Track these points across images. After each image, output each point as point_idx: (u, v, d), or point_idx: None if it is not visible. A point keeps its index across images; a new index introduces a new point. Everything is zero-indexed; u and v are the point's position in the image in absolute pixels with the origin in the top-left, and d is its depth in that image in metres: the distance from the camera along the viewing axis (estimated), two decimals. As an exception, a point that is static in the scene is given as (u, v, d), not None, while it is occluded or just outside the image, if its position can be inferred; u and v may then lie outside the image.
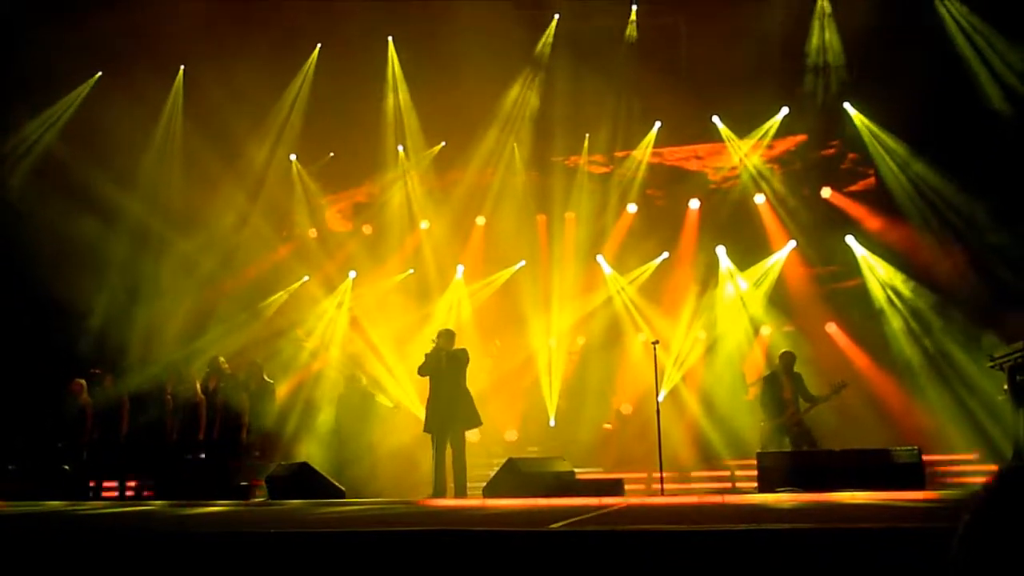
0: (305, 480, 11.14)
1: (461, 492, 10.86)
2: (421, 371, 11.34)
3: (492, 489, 10.30)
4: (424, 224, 17.60)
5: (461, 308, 16.87)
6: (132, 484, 13.80)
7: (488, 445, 14.32)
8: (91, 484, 13.78)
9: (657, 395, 12.08)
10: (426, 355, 11.30)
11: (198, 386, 13.82)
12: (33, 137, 16.66)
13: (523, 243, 16.65)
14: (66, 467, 13.35)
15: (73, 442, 13.85)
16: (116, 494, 13.64)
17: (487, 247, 17.09)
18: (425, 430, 11.22)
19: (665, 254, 16.52)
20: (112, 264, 15.92)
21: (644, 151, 17.06)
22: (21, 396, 14.86)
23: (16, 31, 15.13)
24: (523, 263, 16.90)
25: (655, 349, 11.88)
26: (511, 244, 16.57)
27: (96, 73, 16.72)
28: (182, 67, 17.15)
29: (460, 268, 17.26)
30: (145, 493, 13.47)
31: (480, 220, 17.40)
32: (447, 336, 11.45)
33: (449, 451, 11.00)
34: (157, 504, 10.98)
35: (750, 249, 16.08)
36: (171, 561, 5.82)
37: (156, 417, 13.72)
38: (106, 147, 15.48)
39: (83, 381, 14.21)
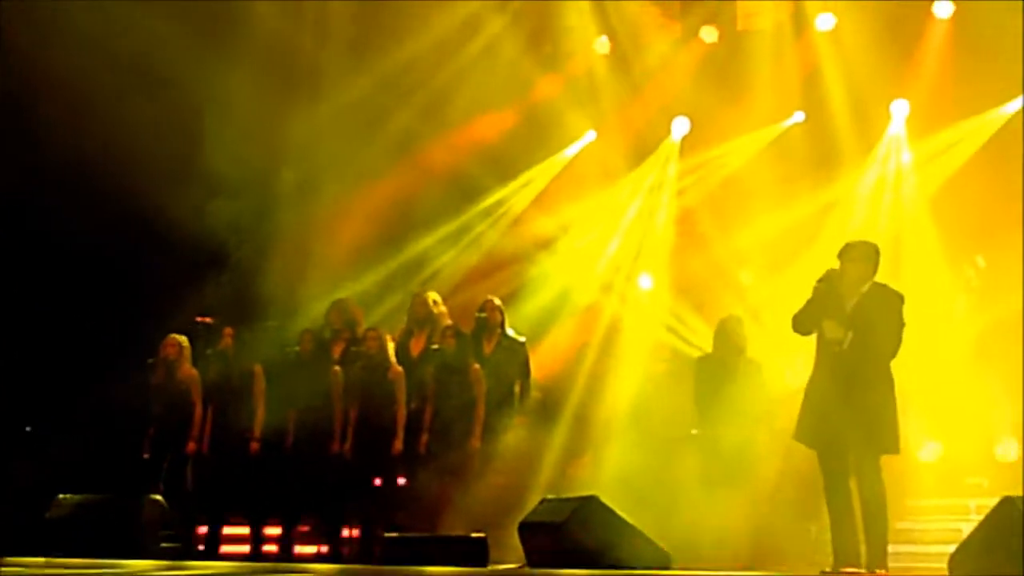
0: (593, 529, 7.85)
1: (875, 560, 7.45)
2: (797, 323, 7.76)
3: (966, 554, 7.10)
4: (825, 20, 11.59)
5: (900, 193, 11.40)
6: (273, 532, 10.16)
7: (959, 464, 10.29)
8: (200, 530, 10.20)
9: None
10: (815, 288, 7.72)
11: (390, 347, 9.97)
12: None
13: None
14: (158, 498, 9.47)
15: (172, 452, 10.08)
16: (248, 547, 10.13)
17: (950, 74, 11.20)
18: (796, 437, 7.80)
19: None
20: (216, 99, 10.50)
21: None
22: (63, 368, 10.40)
23: None
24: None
25: None
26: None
27: None
28: None
29: (897, 108, 11.29)
30: (299, 547, 10.11)
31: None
32: (857, 256, 7.62)
33: (855, 486, 7.66)
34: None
35: None
36: None
37: (318, 404, 9.85)
38: None
39: (182, 339, 10.26)
